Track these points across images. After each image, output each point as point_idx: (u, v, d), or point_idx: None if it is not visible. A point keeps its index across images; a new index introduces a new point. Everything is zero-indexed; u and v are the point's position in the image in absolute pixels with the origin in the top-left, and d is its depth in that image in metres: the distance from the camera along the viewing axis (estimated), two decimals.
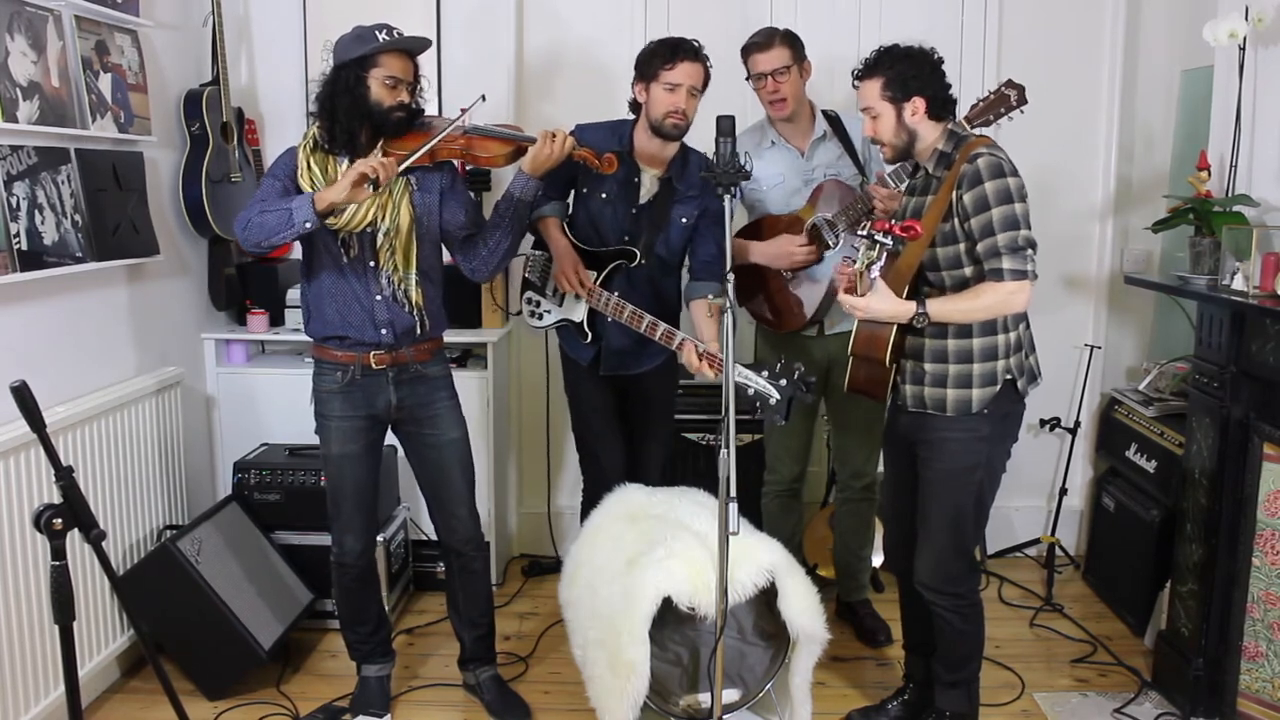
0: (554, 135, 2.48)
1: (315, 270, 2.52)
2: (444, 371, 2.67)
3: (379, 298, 2.50)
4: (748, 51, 2.94)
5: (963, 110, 2.62)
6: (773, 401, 2.36)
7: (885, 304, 2.27)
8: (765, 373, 2.38)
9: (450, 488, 2.67)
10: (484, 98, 2.55)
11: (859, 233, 2.27)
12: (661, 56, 2.71)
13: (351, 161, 2.42)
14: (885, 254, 2.24)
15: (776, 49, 2.87)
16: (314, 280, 2.53)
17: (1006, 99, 2.59)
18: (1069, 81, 3.67)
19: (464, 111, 2.49)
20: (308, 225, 2.32)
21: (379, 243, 2.46)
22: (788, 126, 3.01)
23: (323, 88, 2.43)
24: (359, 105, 2.38)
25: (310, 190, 2.39)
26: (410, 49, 2.45)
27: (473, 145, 2.51)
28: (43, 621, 2.54)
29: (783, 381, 2.36)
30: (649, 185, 2.84)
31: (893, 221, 2.23)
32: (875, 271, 2.24)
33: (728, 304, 2.18)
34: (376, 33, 2.39)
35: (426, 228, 2.52)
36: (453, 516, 2.69)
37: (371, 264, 2.48)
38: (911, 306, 2.27)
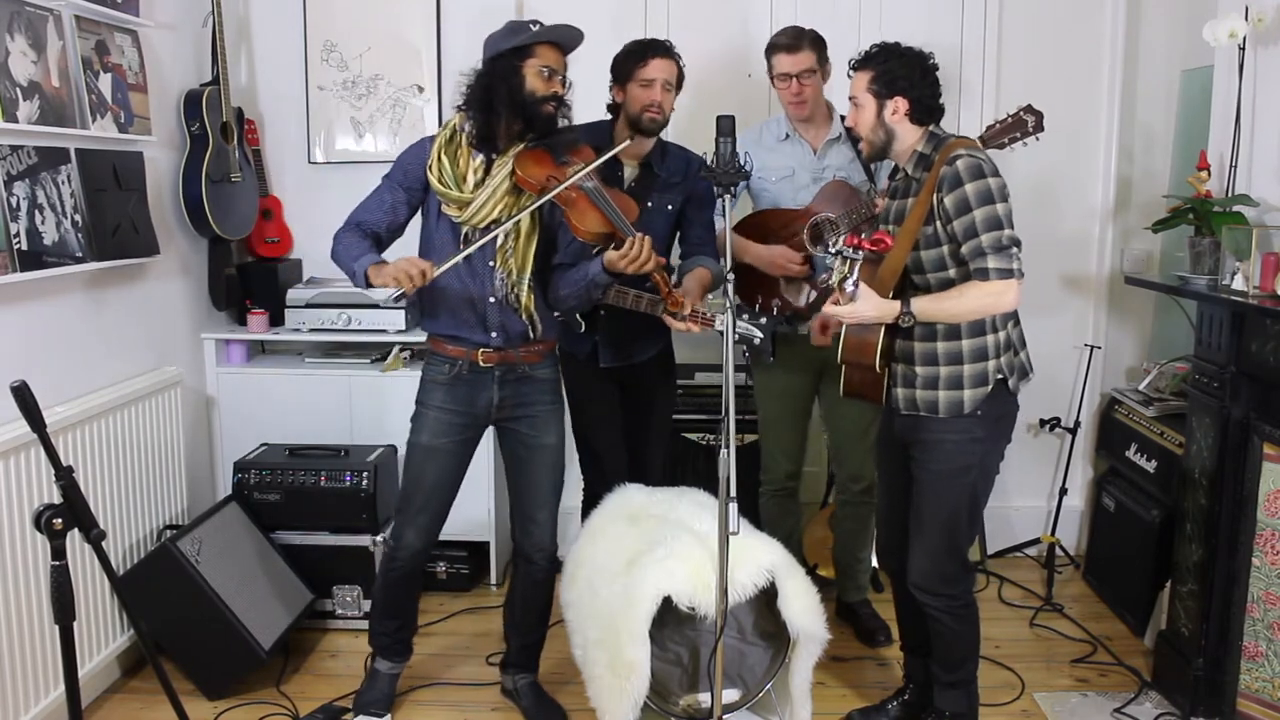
0: (643, 249, 2.35)
1: None
2: (552, 375, 2.63)
3: (492, 300, 2.48)
4: (773, 50, 2.94)
5: (978, 122, 2.62)
6: (757, 341, 2.42)
7: (869, 306, 2.26)
8: (745, 316, 2.43)
9: (534, 492, 2.64)
10: (630, 138, 2.65)
11: (831, 249, 2.27)
12: (635, 56, 2.78)
13: (488, 158, 2.43)
14: (857, 268, 2.23)
15: (804, 52, 2.88)
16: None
17: (1024, 124, 2.58)
18: (1069, 82, 3.66)
19: (591, 165, 2.39)
20: (356, 284, 2.39)
21: (500, 242, 2.45)
22: (804, 124, 3.03)
23: (475, 80, 2.43)
24: (515, 94, 2.37)
25: (436, 184, 2.42)
26: (563, 40, 2.44)
27: (578, 204, 2.39)
28: (43, 621, 2.53)
29: (762, 320, 2.42)
30: (630, 173, 2.90)
31: (862, 236, 2.23)
32: (850, 285, 2.22)
33: (729, 303, 2.19)
34: (530, 25, 2.41)
35: (544, 239, 2.51)
36: (531, 520, 2.66)
37: (490, 264, 2.47)
38: (896, 306, 2.27)
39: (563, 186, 2.35)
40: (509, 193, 2.41)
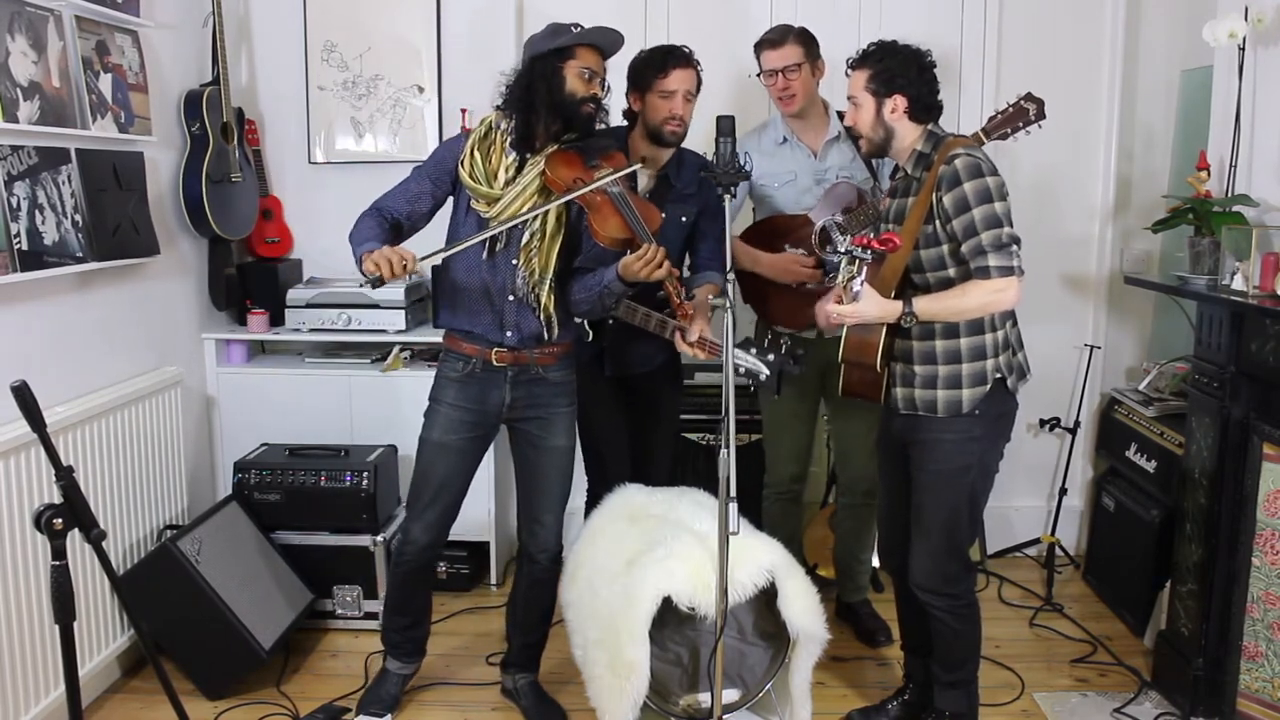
0: (659, 255, 2.35)
1: (453, 261, 2.49)
2: (566, 378, 2.62)
3: (510, 298, 2.48)
4: (760, 47, 2.95)
5: (979, 122, 2.62)
6: (763, 378, 2.43)
7: (872, 305, 2.26)
8: (754, 350, 2.43)
9: (542, 494, 2.64)
10: (644, 160, 2.62)
11: (840, 249, 2.27)
12: (654, 66, 2.75)
13: (521, 156, 2.44)
14: (865, 268, 2.23)
15: (789, 46, 2.89)
16: (449, 272, 2.52)
17: (1025, 113, 2.57)
18: (1069, 82, 3.66)
19: (618, 173, 2.42)
20: (357, 262, 2.37)
21: (525, 240, 2.45)
22: (801, 124, 3.01)
23: (516, 79, 2.44)
24: (555, 95, 2.39)
25: (467, 178, 2.44)
26: (604, 44, 2.46)
27: (602, 208, 2.40)
28: (43, 621, 2.54)
29: (770, 356, 2.42)
30: (645, 183, 2.86)
31: (870, 235, 2.23)
32: (857, 285, 2.23)
33: (729, 304, 2.19)
34: (571, 27, 2.42)
35: (569, 241, 2.50)
36: (536, 522, 2.66)
37: (514, 262, 2.47)
38: (898, 306, 2.27)
39: (587, 189, 2.36)
40: (538, 192, 2.42)
